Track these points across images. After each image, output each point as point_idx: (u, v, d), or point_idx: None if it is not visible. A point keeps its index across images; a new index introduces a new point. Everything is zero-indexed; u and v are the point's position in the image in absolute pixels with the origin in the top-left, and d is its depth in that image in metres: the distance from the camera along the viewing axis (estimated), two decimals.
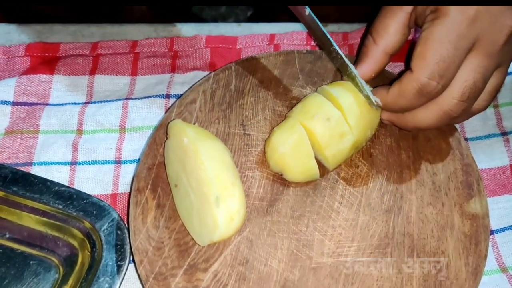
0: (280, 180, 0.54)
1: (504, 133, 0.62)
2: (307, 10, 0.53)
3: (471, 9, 0.47)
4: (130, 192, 0.55)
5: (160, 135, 0.55)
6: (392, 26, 0.52)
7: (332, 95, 0.52)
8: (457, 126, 0.59)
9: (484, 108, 0.53)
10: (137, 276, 0.53)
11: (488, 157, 0.60)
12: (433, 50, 0.47)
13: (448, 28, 0.47)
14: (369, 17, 0.57)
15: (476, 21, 0.47)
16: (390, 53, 0.53)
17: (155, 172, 0.54)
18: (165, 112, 0.59)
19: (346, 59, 0.54)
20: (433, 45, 0.47)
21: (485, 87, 0.51)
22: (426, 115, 0.51)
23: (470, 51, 0.48)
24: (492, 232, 0.57)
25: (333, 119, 0.51)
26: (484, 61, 0.48)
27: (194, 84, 0.59)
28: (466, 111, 0.51)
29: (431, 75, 0.47)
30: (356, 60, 0.55)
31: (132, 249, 0.50)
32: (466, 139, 0.61)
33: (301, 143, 0.51)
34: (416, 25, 0.52)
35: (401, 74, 0.51)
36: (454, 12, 0.47)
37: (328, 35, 0.54)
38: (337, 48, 0.54)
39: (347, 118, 0.52)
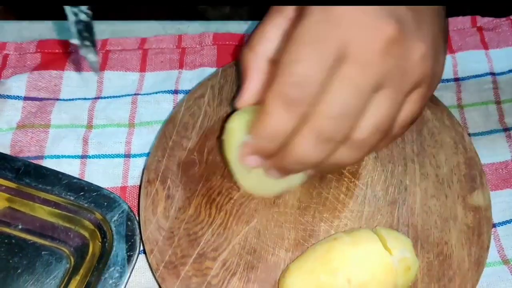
0: None
1: (506, 129, 0.63)
2: None
3: (333, 11, 0.40)
4: (140, 184, 0.56)
5: (170, 128, 0.57)
6: (272, 32, 0.46)
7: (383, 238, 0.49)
8: (460, 122, 0.60)
9: (368, 143, 0.44)
10: (146, 266, 0.54)
11: (490, 152, 0.61)
12: (287, 51, 0.41)
13: (306, 26, 0.41)
14: None
15: (339, 21, 0.40)
16: (274, 58, 0.45)
17: (165, 164, 0.55)
18: (174, 106, 0.60)
19: None
20: (288, 43, 0.41)
21: (368, 112, 0.42)
22: (299, 141, 0.42)
23: (338, 56, 0.40)
24: (494, 225, 0.57)
25: (354, 281, 0.47)
26: (353, 69, 0.40)
27: (202, 80, 0.60)
28: (338, 133, 0.42)
29: (287, 77, 0.41)
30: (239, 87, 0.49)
31: (143, 239, 0.52)
32: (469, 134, 0.62)
33: None
34: None
35: None
36: (315, 10, 0.40)
37: None
38: None
39: None
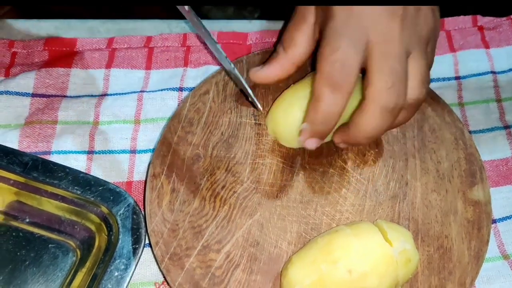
0: (289, 167, 0.56)
1: (506, 127, 0.63)
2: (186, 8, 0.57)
3: (351, 7, 0.48)
4: (145, 179, 0.57)
5: (175, 124, 0.58)
6: (299, 38, 0.54)
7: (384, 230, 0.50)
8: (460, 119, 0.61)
9: (422, 98, 0.51)
10: (151, 259, 0.55)
11: (491, 149, 0.62)
12: (327, 44, 0.48)
13: (335, 23, 0.48)
14: None
15: (361, 14, 0.48)
16: (297, 64, 0.56)
17: (170, 159, 0.56)
18: (179, 103, 0.62)
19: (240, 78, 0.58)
20: (326, 41, 0.48)
21: (411, 75, 0.50)
22: (368, 119, 0.49)
23: (367, 42, 0.48)
24: (494, 221, 0.58)
25: (355, 272, 0.48)
26: (384, 46, 0.48)
27: (207, 77, 0.61)
28: (400, 98, 0.48)
29: (331, 67, 0.47)
30: (264, 63, 0.58)
31: (148, 231, 0.52)
32: (469, 131, 0.62)
33: (319, 285, 0.49)
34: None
35: None
36: (338, 10, 0.49)
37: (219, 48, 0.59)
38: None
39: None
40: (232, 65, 0.58)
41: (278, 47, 0.57)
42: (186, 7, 0.55)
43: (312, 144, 0.51)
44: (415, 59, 0.50)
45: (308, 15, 0.54)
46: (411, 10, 0.50)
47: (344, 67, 0.47)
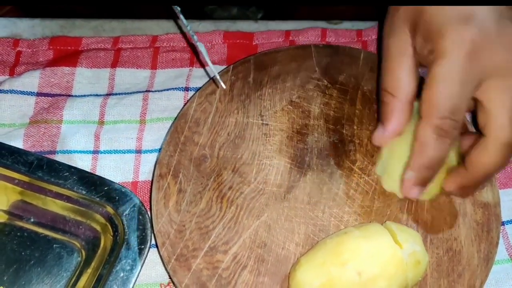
0: (297, 168, 0.56)
1: None
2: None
3: (466, 43, 0.46)
4: (152, 179, 0.57)
5: (181, 124, 0.57)
6: (404, 74, 0.51)
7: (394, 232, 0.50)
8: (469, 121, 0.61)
9: None
10: (157, 260, 0.54)
11: None
12: (438, 92, 0.47)
13: (449, 67, 0.46)
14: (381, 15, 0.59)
15: (477, 53, 0.46)
16: (412, 101, 0.51)
17: (177, 159, 0.55)
18: (185, 103, 0.61)
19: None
20: (437, 87, 0.47)
21: None
22: (490, 156, 0.48)
23: (483, 80, 0.47)
24: (502, 223, 0.58)
25: (364, 274, 0.47)
26: (503, 80, 0.47)
27: (213, 76, 0.61)
28: None
29: (442, 116, 0.47)
30: (380, 120, 0.54)
31: (155, 232, 0.52)
32: None
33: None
34: (422, 65, 0.51)
35: None
36: (450, 50, 0.46)
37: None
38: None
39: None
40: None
41: (383, 95, 0.52)
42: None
43: (415, 193, 0.51)
44: None
45: (405, 47, 0.51)
46: None
47: (454, 115, 0.47)
